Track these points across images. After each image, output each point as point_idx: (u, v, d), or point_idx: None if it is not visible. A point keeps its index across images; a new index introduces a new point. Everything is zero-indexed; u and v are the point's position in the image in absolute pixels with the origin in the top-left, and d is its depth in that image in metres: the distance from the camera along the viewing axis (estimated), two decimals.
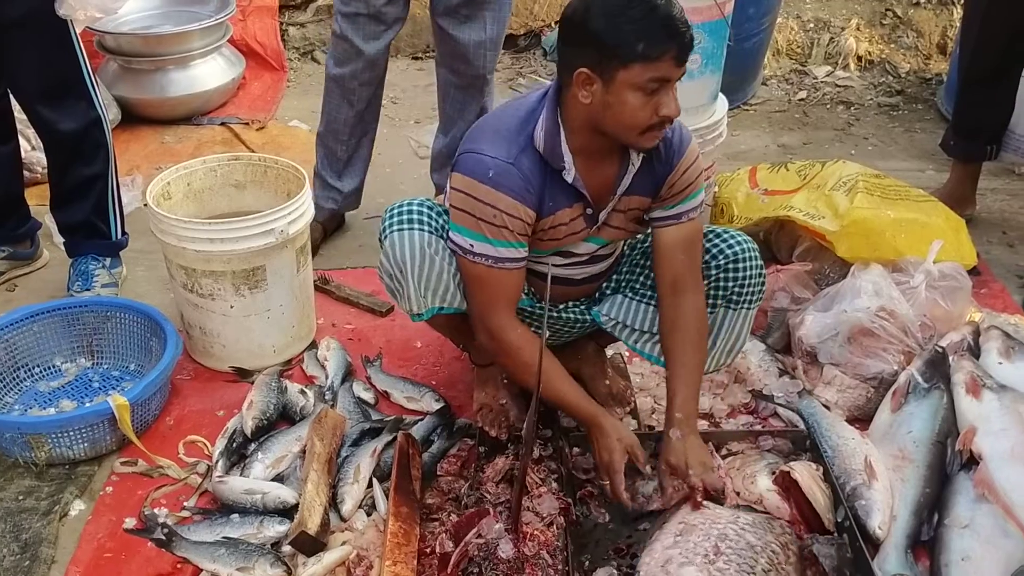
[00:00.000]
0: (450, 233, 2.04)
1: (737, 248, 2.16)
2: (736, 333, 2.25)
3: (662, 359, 2.28)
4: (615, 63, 1.79)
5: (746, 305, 2.21)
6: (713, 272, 2.17)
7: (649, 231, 2.18)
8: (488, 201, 1.93)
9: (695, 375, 2.10)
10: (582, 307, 2.32)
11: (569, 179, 1.97)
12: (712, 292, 2.19)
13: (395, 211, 2.12)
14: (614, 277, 2.33)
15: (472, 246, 1.99)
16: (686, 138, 2.06)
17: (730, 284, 2.18)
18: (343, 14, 2.94)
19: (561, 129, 1.94)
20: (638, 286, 2.29)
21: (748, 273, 2.17)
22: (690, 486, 1.98)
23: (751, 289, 2.19)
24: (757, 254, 2.19)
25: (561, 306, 2.30)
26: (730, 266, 2.16)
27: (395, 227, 2.09)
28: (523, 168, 1.93)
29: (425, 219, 2.09)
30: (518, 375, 2.13)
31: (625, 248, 2.34)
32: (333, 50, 3.05)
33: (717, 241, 2.19)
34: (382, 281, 2.19)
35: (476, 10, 2.96)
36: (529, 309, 2.23)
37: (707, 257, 2.18)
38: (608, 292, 2.33)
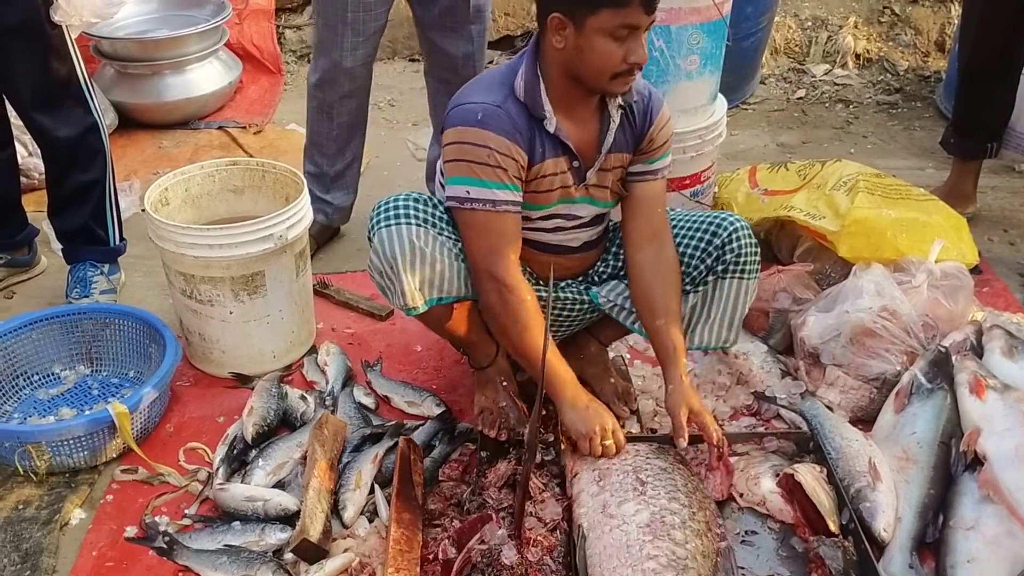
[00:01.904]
0: (446, 190, 2.05)
1: (730, 223, 2.20)
2: (733, 303, 2.25)
3: None
4: (584, 8, 1.85)
5: (739, 275, 2.22)
6: (712, 250, 2.20)
7: None
8: (479, 142, 1.96)
9: (679, 318, 2.18)
10: (580, 287, 2.33)
11: (551, 129, 2.01)
12: (707, 267, 2.22)
13: (382, 208, 2.12)
14: (610, 261, 2.34)
15: (468, 192, 1.99)
16: (658, 96, 2.14)
17: (727, 256, 2.20)
18: (322, 24, 2.92)
19: (540, 80, 1.98)
20: None
21: (742, 243, 2.19)
22: (713, 443, 2.06)
23: (746, 259, 2.21)
24: (750, 230, 2.22)
25: (563, 284, 2.31)
26: (725, 236, 2.19)
27: (382, 224, 2.09)
28: (510, 111, 1.98)
29: (412, 212, 2.09)
30: (520, 336, 2.04)
31: (617, 236, 2.35)
32: (313, 61, 3.04)
33: (712, 219, 2.23)
34: (373, 280, 2.17)
35: (462, 23, 2.96)
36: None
37: (707, 236, 2.21)
38: (605, 277, 2.35)
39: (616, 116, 2.06)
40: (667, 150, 2.18)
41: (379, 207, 2.12)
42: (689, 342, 2.30)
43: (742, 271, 2.22)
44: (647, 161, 2.16)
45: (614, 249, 2.35)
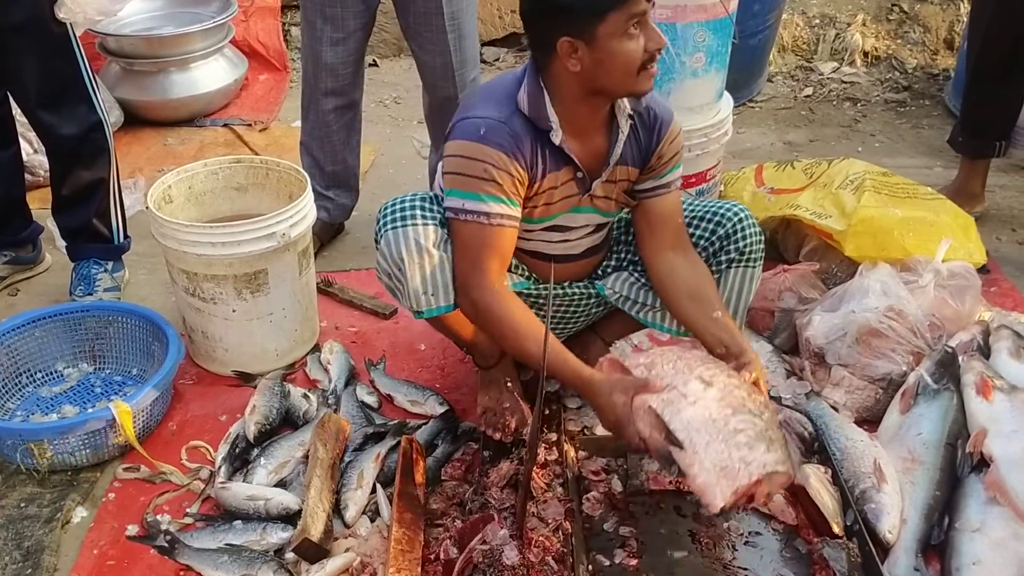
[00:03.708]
0: (444, 201, 2.03)
1: (734, 213, 2.20)
2: (738, 292, 2.24)
3: (669, 327, 2.31)
4: (592, 21, 1.82)
5: (746, 263, 2.21)
6: (716, 240, 2.20)
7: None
8: (478, 157, 1.94)
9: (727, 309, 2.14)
10: (585, 282, 2.32)
11: (556, 140, 1.98)
12: (712, 256, 2.21)
13: (388, 209, 2.09)
14: (614, 256, 2.33)
15: (463, 204, 1.97)
16: (668, 108, 2.12)
17: (730, 247, 2.19)
18: (305, 21, 2.91)
19: (544, 93, 1.96)
20: (639, 263, 2.28)
21: (747, 232, 2.19)
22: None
23: (750, 249, 2.20)
24: (753, 218, 2.22)
25: (566, 283, 2.29)
26: (729, 227, 2.19)
27: (389, 225, 2.07)
28: (514, 127, 1.96)
29: (419, 212, 2.06)
30: (509, 341, 2.03)
31: (620, 226, 2.35)
32: (302, 56, 3.04)
33: (716, 208, 2.22)
34: (381, 281, 2.17)
35: (437, 32, 2.90)
36: (534, 291, 2.23)
37: (711, 226, 2.20)
38: (610, 270, 2.34)
39: (625, 127, 2.04)
40: (678, 161, 2.15)
41: (386, 208, 2.10)
42: None
43: (747, 261, 2.21)
44: (657, 176, 2.13)
45: (619, 244, 2.33)
